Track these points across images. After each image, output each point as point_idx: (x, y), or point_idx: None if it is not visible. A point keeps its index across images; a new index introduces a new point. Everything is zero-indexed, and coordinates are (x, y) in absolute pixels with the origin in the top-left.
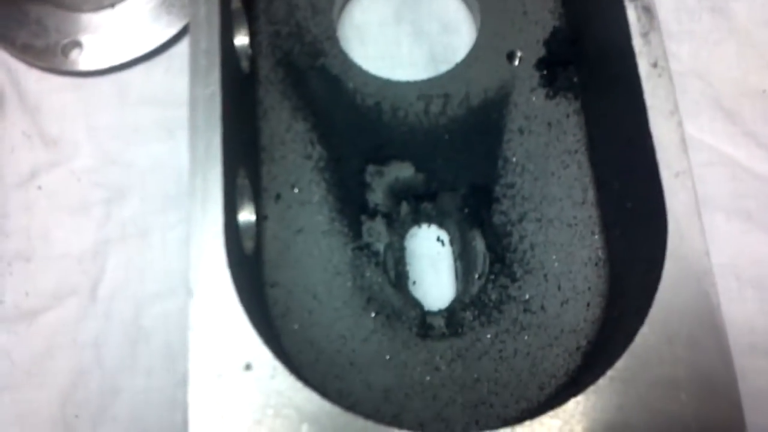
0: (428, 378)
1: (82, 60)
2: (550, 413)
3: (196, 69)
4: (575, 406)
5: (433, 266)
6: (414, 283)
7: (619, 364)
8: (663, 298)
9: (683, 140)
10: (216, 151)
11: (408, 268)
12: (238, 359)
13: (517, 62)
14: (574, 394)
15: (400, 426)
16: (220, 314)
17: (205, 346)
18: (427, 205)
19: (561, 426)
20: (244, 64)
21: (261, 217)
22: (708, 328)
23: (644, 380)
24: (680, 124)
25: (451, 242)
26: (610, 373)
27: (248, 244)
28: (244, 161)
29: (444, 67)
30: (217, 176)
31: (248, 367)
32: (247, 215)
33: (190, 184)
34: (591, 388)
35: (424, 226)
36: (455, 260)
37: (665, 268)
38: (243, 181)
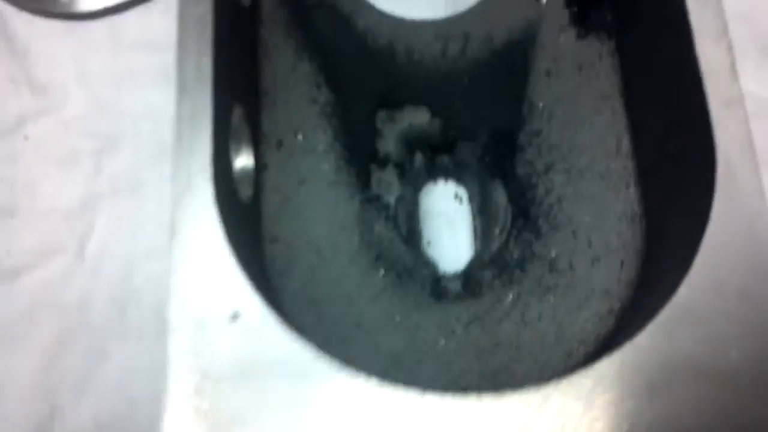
0: (442, 342)
1: (75, 2)
2: (581, 372)
3: None
4: (609, 365)
5: (449, 226)
6: (428, 243)
7: (661, 317)
8: (710, 244)
9: (734, 66)
10: (206, 75)
11: (422, 227)
12: (223, 307)
13: None
14: (608, 352)
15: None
16: (206, 256)
17: (187, 291)
18: (443, 158)
19: (593, 386)
20: None
21: (260, 165)
22: (762, 277)
23: (689, 336)
24: (730, 48)
25: (470, 199)
26: (650, 327)
27: (245, 192)
28: (242, 100)
29: (463, 5)
30: (206, 102)
31: (235, 316)
32: (244, 161)
33: (176, 111)
34: (628, 345)
35: (441, 182)
36: (474, 218)
37: (713, 209)
38: (240, 123)
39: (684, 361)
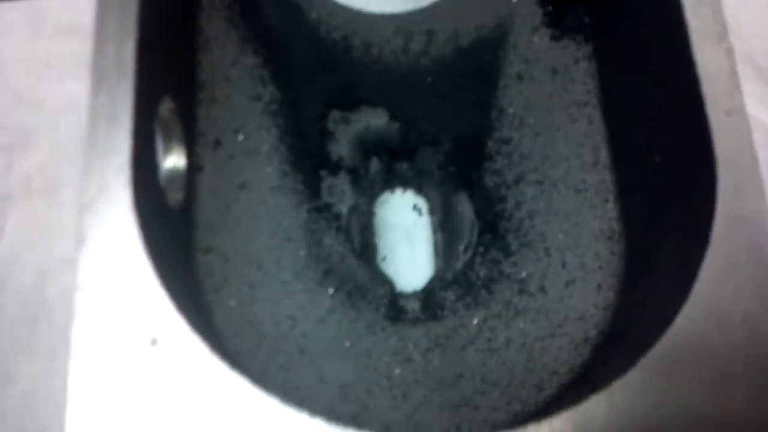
0: (398, 371)
1: None
2: (563, 414)
3: None
4: (595, 406)
5: (407, 240)
6: (384, 258)
7: (655, 351)
8: (711, 269)
9: (735, 71)
10: (128, 63)
11: (377, 240)
12: (140, 331)
13: None
14: (593, 389)
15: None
16: (119, 270)
17: (95, 311)
18: (402, 165)
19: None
20: None
21: (194, 167)
22: None
23: (688, 373)
24: (730, 51)
25: (431, 211)
26: (643, 362)
27: (175, 196)
28: (173, 93)
29: None
30: (126, 94)
31: (154, 342)
32: (174, 161)
33: (91, 103)
34: (617, 383)
35: (398, 192)
36: (435, 232)
37: (714, 230)
38: (170, 118)
39: (681, 403)
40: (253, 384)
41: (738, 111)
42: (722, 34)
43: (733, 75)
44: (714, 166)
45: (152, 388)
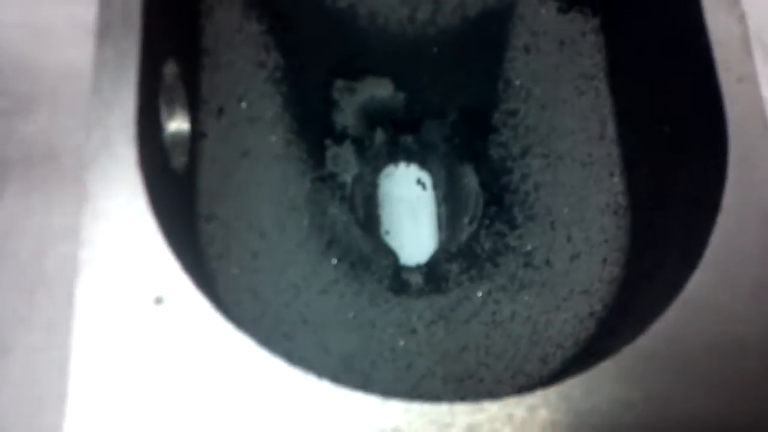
0: (402, 343)
1: None
2: (571, 381)
3: None
4: (604, 372)
5: (411, 214)
6: (387, 232)
7: (665, 318)
8: (722, 236)
9: (747, 37)
10: (135, 18)
11: (381, 213)
12: (144, 289)
13: None
14: (600, 355)
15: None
16: (124, 228)
17: (99, 269)
18: (407, 138)
19: (583, 396)
20: None
21: (197, 133)
22: None
23: (699, 340)
24: (743, 18)
25: (435, 185)
26: (652, 329)
27: (178, 159)
28: (177, 56)
29: None
30: (133, 48)
31: (159, 300)
32: (177, 125)
33: (95, 56)
34: (626, 349)
35: (402, 165)
36: (439, 206)
37: (725, 197)
38: (174, 82)
39: (691, 369)
40: (258, 345)
41: (750, 77)
42: (735, 1)
43: (746, 41)
44: (725, 132)
45: (157, 347)
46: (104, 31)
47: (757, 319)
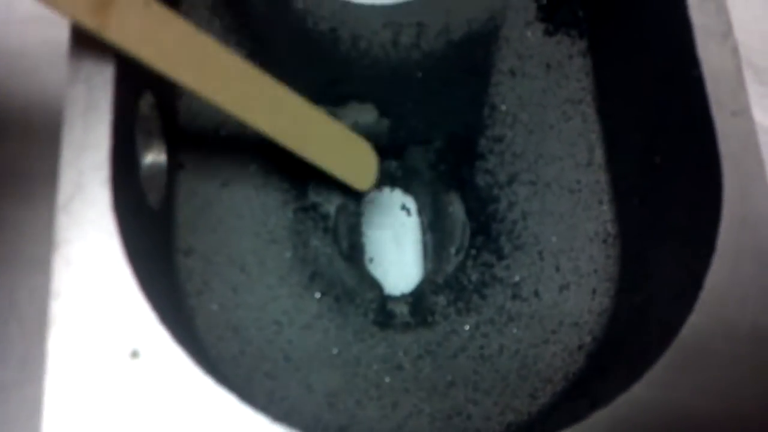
0: (387, 379)
1: None
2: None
3: None
4: (598, 422)
5: (395, 240)
6: (371, 260)
7: (661, 364)
8: (717, 278)
9: (740, 70)
10: (108, 49)
11: (364, 240)
12: (121, 343)
13: None
14: (593, 403)
15: None
16: (98, 278)
17: (71, 322)
18: (391, 163)
19: None
20: None
21: (175, 164)
22: None
23: (695, 386)
24: (736, 50)
25: (419, 211)
26: (648, 375)
27: (154, 195)
28: (154, 87)
29: None
30: (107, 83)
31: (135, 354)
32: (154, 157)
33: (67, 92)
34: (621, 398)
35: (386, 191)
36: (424, 233)
37: (720, 237)
38: (150, 112)
39: (687, 415)
40: (240, 401)
41: (744, 112)
42: (727, 32)
43: (739, 74)
44: (719, 168)
45: (133, 403)
46: (75, 65)
47: (756, 366)
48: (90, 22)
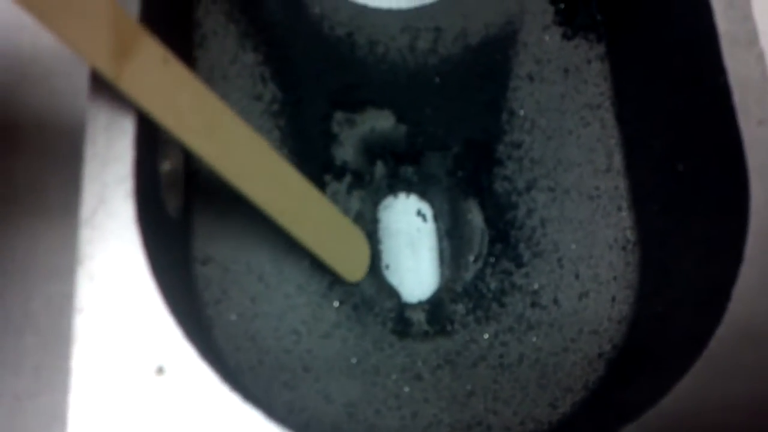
0: (407, 389)
1: None
2: None
3: None
4: None
5: (411, 246)
6: (387, 267)
7: (689, 377)
8: (746, 287)
9: (766, 78)
10: None
11: (381, 248)
12: (146, 359)
13: None
14: (618, 416)
15: None
16: (123, 292)
17: (96, 337)
18: (407, 168)
19: None
20: None
21: (191, 172)
22: None
23: (723, 400)
24: (761, 57)
25: (435, 217)
26: (676, 389)
27: (172, 204)
28: None
29: None
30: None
31: (160, 371)
32: (172, 166)
33: (89, 106)
34: (650, 413)
35: (401, 196)
36: (440, 239)
37: (747, 246)
38: None
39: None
40: (267, 418)
41: None
42: (753, 39)
43: (765, 82)
44: (746, 177)
45: (159, 421)
46: (97, 79)
47: None
48: (106, 70)
